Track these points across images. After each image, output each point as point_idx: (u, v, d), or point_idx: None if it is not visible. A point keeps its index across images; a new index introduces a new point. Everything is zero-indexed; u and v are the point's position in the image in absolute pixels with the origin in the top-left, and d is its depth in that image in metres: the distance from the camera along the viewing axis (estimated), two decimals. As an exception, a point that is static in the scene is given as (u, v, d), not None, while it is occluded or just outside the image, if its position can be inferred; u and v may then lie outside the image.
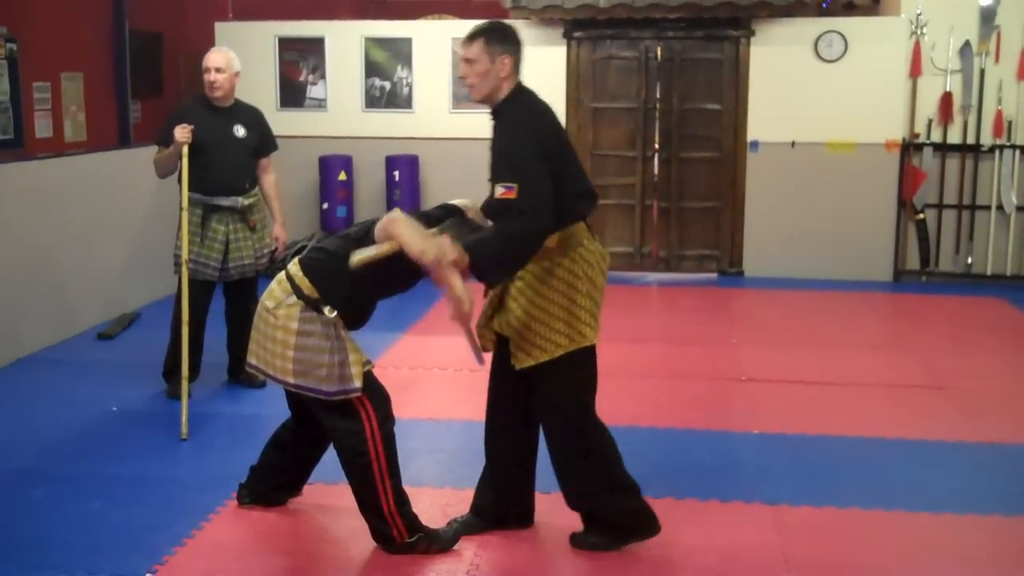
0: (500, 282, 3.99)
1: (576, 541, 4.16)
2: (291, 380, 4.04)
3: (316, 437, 4.35)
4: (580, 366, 3.99)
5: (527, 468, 4.27)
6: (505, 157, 3.82)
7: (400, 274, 4.01)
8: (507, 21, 9.89)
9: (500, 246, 3.80)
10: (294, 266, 4.08)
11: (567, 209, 3.87)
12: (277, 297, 4.05)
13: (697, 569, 4.02)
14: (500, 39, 3.92)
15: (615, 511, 4.10)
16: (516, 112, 3.91)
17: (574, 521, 4.29)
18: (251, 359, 4.19)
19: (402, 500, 4.09)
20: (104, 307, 7.75)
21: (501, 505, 4.28)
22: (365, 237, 3.97)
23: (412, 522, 4.11)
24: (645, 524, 4.12)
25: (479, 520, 4.29)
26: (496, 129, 3.96)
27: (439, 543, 4.11)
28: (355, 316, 4.13)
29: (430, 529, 4.15)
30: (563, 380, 3.99)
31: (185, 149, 5.67)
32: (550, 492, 4.66)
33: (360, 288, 4.01)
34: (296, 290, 4.01)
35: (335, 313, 3.99)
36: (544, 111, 3.97)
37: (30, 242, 6.97)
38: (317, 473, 4.85)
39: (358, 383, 4.00)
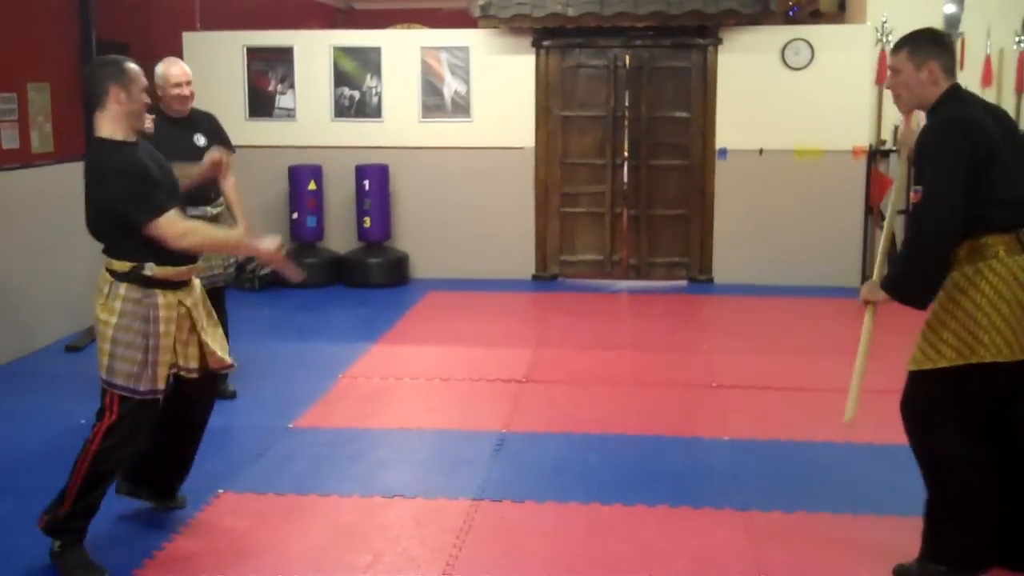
0: (924, 301, 3.77)
1: (899, 572, 3.97)
2: (103, 375, 4.03)
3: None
4: (955, 384, 3.74)
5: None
6: (922, 160, 3.73)
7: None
8: (475, 30, 9.92)
9: (902, 267, 3.79)
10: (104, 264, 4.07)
11: (977, 217, 3.65)
12: (102, 291, 4.03)
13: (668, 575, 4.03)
14: (926, 46, 3.82)
15: (945, 542, 3.86)
16: (945, 114, 3.78)
17: (558, 529, 4.30)
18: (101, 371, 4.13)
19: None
20: (72, 319, 7.68)
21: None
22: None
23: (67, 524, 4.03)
24: (972, 564, 3.83)
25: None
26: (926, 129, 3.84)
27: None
28: (175, 252, 4.02)
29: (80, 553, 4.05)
30: (934, 393, 3.80)
31: None
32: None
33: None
34: (113, 274, 4.01)
35: (154, 269, 3.96)
36: (973, 120, 3.74)
37: (-4, 254, 6.91)
38: (290, 484, 4.84)
39: (162, 385, 4.02)
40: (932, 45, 3.83)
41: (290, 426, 5.69)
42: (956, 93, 3.85)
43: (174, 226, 3.94)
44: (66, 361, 7.12)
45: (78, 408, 6.00)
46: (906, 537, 4.34)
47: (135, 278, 3.99)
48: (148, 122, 5.57)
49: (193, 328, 4.15)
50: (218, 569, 4.05)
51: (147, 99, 4.11)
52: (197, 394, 4.33)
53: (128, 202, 3.93)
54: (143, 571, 4.01)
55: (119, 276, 4.00)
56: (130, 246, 3.98)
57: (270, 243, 4.13)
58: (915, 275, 3.76)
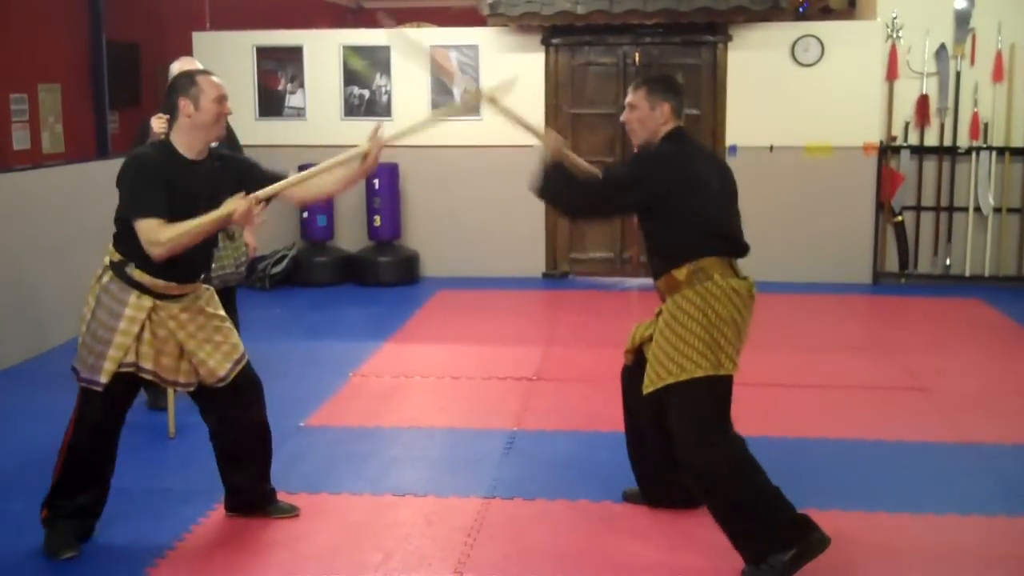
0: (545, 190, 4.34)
1: None
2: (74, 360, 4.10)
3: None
4: (712, 391, 4.05)
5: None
6: (620, 164, 4.00)
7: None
8: (484, 28, 9.91)
9: (564, 183, 4.29)
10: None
11: (695, 244, 4.08)
12: (96, 275, 4.12)
13: (677, 573, 4.02)
14: (663, 89, 4.21)
15: (755, 532, 3.91)
16: (661, 149, 4.19)
17: (569, 527, 4.30)
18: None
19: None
20: (83, 319, 7.70)
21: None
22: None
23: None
24: (798, 537, 3.87)
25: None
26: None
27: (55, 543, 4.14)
28: (166, 262, 4.00)
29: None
30: (682, 405, 4.04)
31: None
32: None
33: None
34: (110, 263, 4.08)
35: (134, 272, 4.00)
36: (687, 155, 4.18)
37: (7, 254, 6.93)
38: (301, 483, 4.85)
39: (104, 379, 4.01)
40: (666, 90, 4.21)
41: (301, 425, 5.70)
42: (680, 134, 4.21)
43: (151, 232, 3.89)
44: (78, 361, 7.13)
45: (90, 407, 6.02)
46: (918, 534, 4.34)
47: (119, 273, 4.04)
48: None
49: (177, 341, 4.11)
50: (230, 567, 4.06)
51: (224, 108, 4.07)
52: (235, 400, 4.31)
53: (127, 192, 3.99)
54: (156, 570, 4.02)
55: (109, 265, 4.07)
56: (128, 240, 4.00)
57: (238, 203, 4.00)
58: (559, 195, 4.37)
